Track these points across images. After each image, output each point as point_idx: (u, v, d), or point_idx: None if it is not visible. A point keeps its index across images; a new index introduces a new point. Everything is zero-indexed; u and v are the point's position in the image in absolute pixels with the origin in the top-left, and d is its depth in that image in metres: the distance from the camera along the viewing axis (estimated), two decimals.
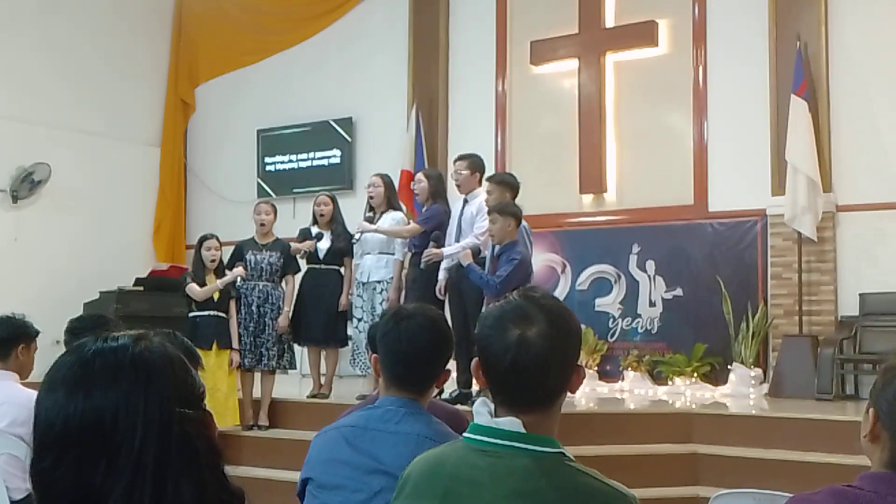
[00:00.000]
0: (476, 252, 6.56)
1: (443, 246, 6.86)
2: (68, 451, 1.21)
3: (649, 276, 8.86)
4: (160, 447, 1.21)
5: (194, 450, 1.25)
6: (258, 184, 11.32)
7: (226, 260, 7.23)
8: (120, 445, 1.20)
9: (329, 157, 10.89)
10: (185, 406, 1.26)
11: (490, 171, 7.62)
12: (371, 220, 7.42)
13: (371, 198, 7.52)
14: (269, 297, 7.20)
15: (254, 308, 7.15)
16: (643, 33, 9.09)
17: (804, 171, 7.79)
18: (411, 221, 7.47)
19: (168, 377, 1.27)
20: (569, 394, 1.78)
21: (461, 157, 7.19)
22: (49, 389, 1.26)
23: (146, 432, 1.21)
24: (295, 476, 2.62)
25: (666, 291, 8.77)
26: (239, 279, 7.10)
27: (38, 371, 3.98)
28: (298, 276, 7.47)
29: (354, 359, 7.46)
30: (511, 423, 1.68)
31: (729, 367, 8.17)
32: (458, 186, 7.11)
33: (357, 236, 7.42)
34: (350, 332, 7.55)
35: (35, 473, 1.24)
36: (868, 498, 1.78)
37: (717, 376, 8.30)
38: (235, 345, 7.01)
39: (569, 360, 1.74)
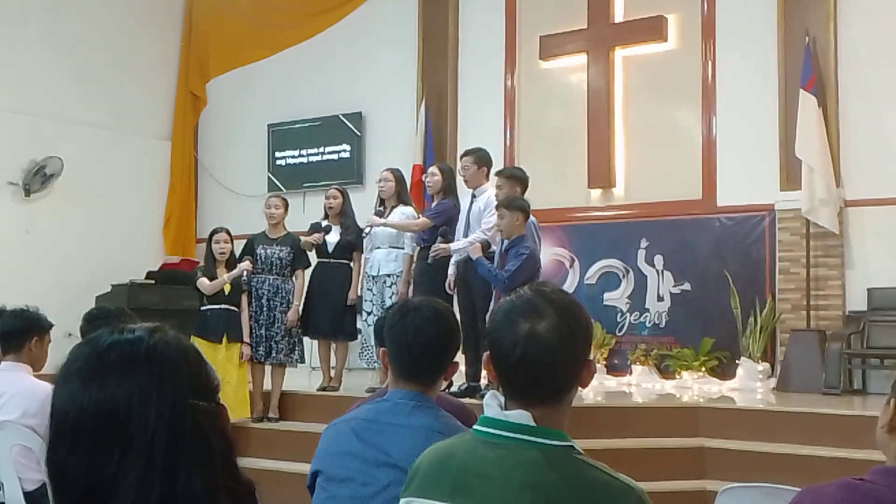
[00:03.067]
0: (486, 246, 6.53)
1: (452, 241, 6.87)
2: (82, 441, 1.22)
3: (657, 271, 8.85)
4: (173, 438, 1.22)
5: (207, 441, 1.26)
6: (268, 178, 11.34)
7: (238, 254, 7.26)
8: (133, 436, 1.21)
9: (339, 152, 10.90)
10: (198, 398, 1.27)
11: (498, 165, 7.61)
12: (381, 215, 7.41)
13: (382, 191, 7.53)
14: (279, 291, 7.23)
15: (264, 301, 7.18)
16: (652, 28, 9.07)
17: (814, 165, 7.78)
18: (421, 216, 7.48)
19: (182, 369, 1.28)
20: (580, 388, 1.77)
21: (467, 153, 7.15)
22: (65, 380, 1.27)
23: (159, 423, 1.22)
24: (305, 468, 2.63)
25: (674, 286, 8.77)
26: (245, 273, 7.10)
27: (51, 363, 4.03)
28: (308, 271, 7.48)
29: (364, 352, 7.48)
30: (521, 415, 1.68)
31: (736, 361, 8.18)
32: (465, 182, 7.09)
33: (367, 230, 7.43)
34: (360, 325, 7.57)
35: (50, 463, 1.26)
36: (880, 492, 1.76)
37: (724, 370, 8.30)
38: (246, 338, 7.05)
39: (578, 355, 1.73)
